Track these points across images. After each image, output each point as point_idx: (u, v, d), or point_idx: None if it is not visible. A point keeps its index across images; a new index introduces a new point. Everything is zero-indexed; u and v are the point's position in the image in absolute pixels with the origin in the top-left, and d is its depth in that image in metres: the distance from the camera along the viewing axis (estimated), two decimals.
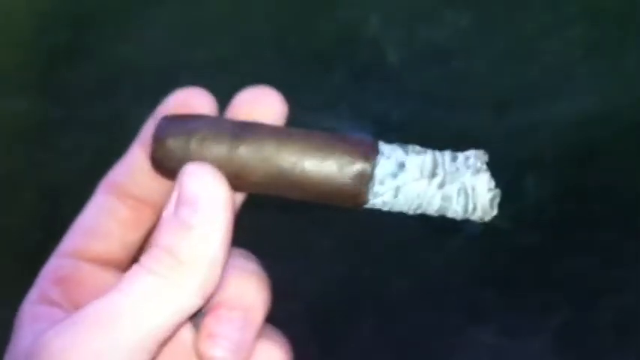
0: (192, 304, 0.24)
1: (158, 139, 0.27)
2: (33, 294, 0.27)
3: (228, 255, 0.25)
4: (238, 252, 0.27)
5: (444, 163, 0.26)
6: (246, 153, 0.26)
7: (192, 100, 0.28)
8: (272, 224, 0.76)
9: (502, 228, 0.79)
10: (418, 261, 0.82)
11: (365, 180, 0.26)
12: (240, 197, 0.29)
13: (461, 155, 0.26)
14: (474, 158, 0.26)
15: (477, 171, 0.26)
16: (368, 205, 0.27)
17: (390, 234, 0.78)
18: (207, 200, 0.25)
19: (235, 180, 0.26)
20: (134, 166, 0.28)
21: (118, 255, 0.29)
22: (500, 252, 0.80)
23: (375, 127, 0.91)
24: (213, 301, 0.25)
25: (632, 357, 0.76)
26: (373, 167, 0.26)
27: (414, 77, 0.97)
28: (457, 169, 0.26)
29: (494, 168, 0.26)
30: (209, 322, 0.26)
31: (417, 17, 1.03)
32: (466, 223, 0.27)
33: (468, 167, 0.26)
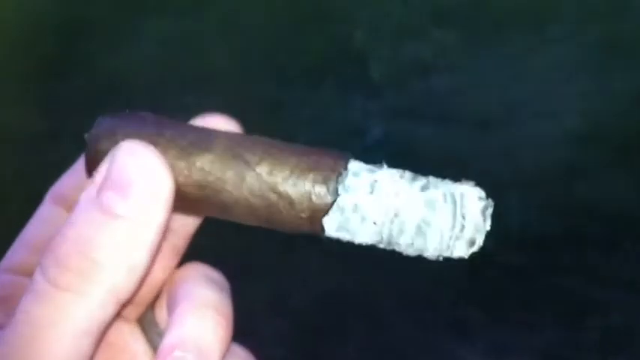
0: (100, 315, 0.20)
1: (94, 136, 0.22)
2: None
3: (153, 260, 0.21)
4: (201, 272, 0.24)
5: (427, 176, 0.23)
6: (192, 146, 0.21)
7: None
8: (259, 242, 0.76)
9: (487, 247, 0.80)
10: (405, 280, 0.82)
11: (335, 171, 0.22)
12: (192, 223, 0.25)
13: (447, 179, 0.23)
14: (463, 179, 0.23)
15: (464, 183, 0.23)
16: (330, 230, 0.23)
17: (378, 252, 0.78)
18: (144, 186, 0.20)
19: (178, 170, 0.21)
20: (83, 176, 0.24)
21: None
22: (487, 271, 0.81)
23: (361, 142, 0.92)
24: (167, 342, 0.22)
25: None
26: (346, 163, 0.22)
27: (399, 93, 0.97)
28: (442, 180, 0.23)
29: (479, 186, 0.24)
30: None
31: (402, 33, 1.04)
32: None
33: (454, 181, 0.23)
